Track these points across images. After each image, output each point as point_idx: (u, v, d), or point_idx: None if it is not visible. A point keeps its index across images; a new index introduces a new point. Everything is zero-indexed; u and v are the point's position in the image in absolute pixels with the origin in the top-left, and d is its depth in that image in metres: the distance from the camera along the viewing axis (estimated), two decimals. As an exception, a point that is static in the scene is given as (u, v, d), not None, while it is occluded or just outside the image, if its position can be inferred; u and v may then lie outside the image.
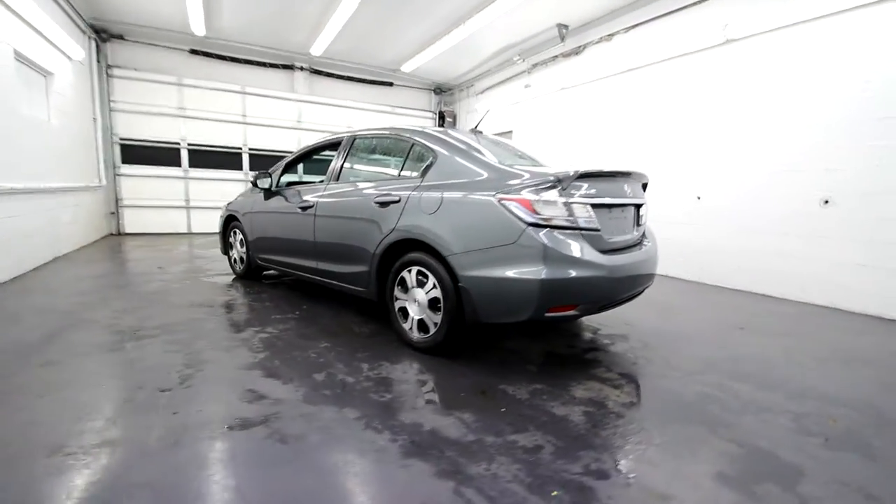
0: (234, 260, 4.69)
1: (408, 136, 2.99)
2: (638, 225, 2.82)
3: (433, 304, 2.58)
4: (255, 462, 1.57)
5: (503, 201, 2.28)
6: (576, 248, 2.23)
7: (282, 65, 8.96)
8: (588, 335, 3.14)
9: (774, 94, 4.60)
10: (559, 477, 1.54)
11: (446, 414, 1.96)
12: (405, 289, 2.74)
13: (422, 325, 2.67)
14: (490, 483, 1.49)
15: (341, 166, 3.40)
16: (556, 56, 7.49)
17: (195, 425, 1.79)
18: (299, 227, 3.58)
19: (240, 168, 8.89)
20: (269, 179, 3.95)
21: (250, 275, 4.51)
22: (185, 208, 8.51)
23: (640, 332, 3.19)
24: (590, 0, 6.06)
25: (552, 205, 2.23)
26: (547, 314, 2.22)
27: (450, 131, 3.01)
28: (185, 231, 8.56)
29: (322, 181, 3.77)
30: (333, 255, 3.27)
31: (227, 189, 8.71)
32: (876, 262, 3.88)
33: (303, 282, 4.57)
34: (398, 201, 2.76)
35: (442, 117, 10.84)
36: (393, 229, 2.74)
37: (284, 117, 9.14)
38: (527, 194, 2.24)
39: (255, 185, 4.00)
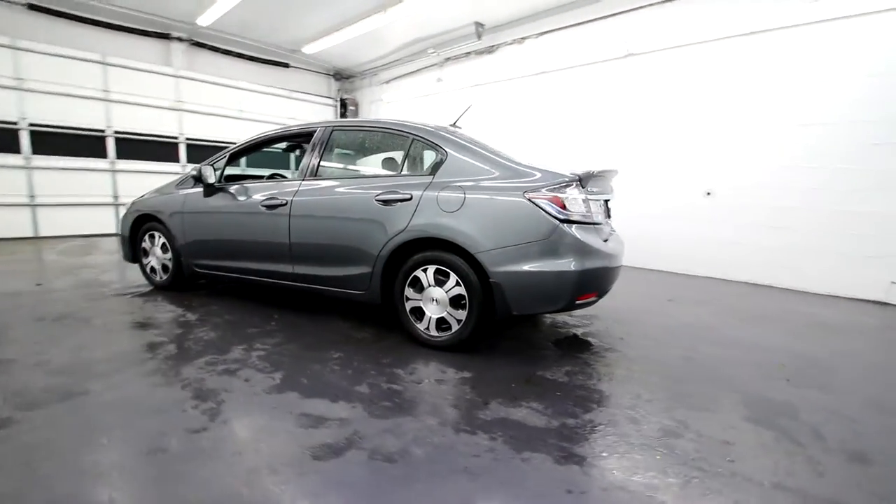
0: (152, 269, 3.94)
1: (407, 131, 2.89)
2: (609, 217, 3.21)
3: (455, 301, 2.60)
4: (385, 484, 1.46)
5: (534, 199, 2.41)
6: (595, 241, 2.48)
7: (155, 33, 7.56)
8: (562, 319, 3.47)
9: (668, 102, 5.54)
10: (657, 439, 1.77)
11: (516, 405, 2.05)
12: (419, 289, 2.70)
13: (441, 323, 2.66)
14: (608, 459, 1.65)
15: (319, 161, 3.12)
16: (470, 53, 7.78)
17: (271, 464, 1.57)
18: (264, 228, 3.19)
19: (103, 156, 7.30)
20: (215, 173, 3.41)
21: (178, 284, 3.85)
22: (30, 206, 6.70)
23: (602, 310, 3.65)
24: (505, 3, 6.43)
25: (576, 201, 2.44)
26: (577, 301, 2.44)
27: (447, 127, 3.00)
28: (32, 234, 6.76)
29: (286, 176, 3.39)
30: (318, 257, 3.02)
31: (89, 181, 7.13)
32: (743, 240, 5.02)
33: (249, 286, 4.07)
34: (409, 199, 2.68)
35: (344, 105, 10.37)
36: (404, 229, 2.66)
37: (159, 95, 7.75)
38: (556, 192, 2.41)
39: (198, 179, 3.41)
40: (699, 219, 5.33)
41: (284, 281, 3.22)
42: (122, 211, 4.35)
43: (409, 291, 2.74)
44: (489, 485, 1.50)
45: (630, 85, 5.85)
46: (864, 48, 4.23)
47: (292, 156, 9.11)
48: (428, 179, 2.71)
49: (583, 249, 2.39)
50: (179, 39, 7.77)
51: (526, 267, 2.40)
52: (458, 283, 2.57)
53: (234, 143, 3.59)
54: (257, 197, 3.26)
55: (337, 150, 3.18)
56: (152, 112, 7.72)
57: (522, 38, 7.00)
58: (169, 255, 3.79)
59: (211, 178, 3.38)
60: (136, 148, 7.58)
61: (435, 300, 2.66)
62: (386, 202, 2.74)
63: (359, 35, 7.55)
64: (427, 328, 2.72)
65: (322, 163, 3.13)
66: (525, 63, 7.04)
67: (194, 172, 3.35)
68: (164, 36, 7.66)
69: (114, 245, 6.50)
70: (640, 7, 5.58)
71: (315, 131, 3.21)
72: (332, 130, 3.16)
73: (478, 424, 1.88)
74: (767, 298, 4.36)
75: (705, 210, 5.26)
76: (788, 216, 4.69)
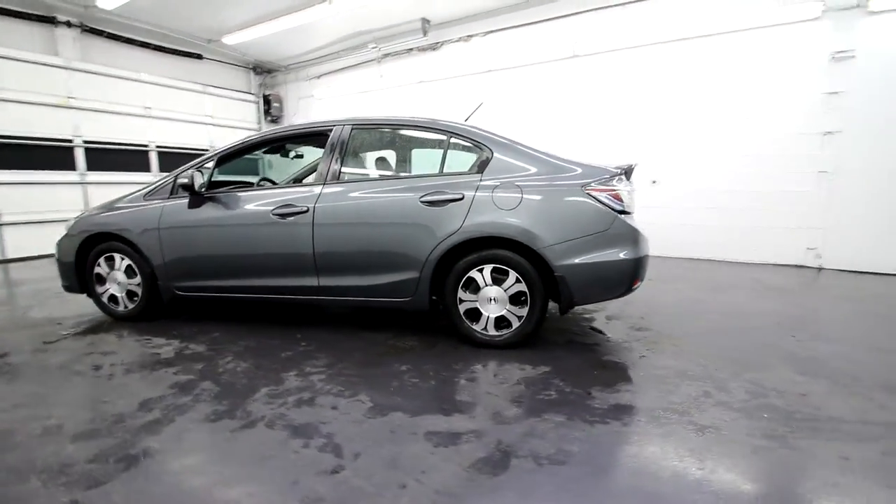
0: (111, 298, 3.28)
1: (444, 128, 2.79)
2: None
3: (515, 298, 2.60)
4: (581, 485, 1.44)
5: (592, 193, 2.50)
6: (642, 230, 2.66)
7: (37, 16, 6.21)
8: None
9: (614, 100, 6.06)
10: (751, 401, 1.97)
11: (616, 390, 2.13)
12: (473, 289, 2.65)
13: (500, 322, 2.65)
14: (738, 425, 1.81)
15: (341, 163, 2.87)
16: (412, 49, 7.68)
17: (448, 490, 1.44)
18: (277, 240, 2.85)
19: (-28, 164, 5.84)
20: (202, 180, 2.95)
21: (149, 313, 3.26)
22: None
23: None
24: (454, 0, 6.47)
25: (626, 193, 2.59)
26: (632, 287, 2.60)
27: (477, 124, 2.94)
28: None
29: (275, 182, 3.02)
30: (352, 267, 2.79)
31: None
32: (687, 222, 5.72)
33: (229, 306, 3.60)
34: (460, 199, 2.60)
35: (267, 102, 9.55)
36: (458, 230, 2.58)
37: (44, 90, 6.39)
38: (610, 185, 2.53)
39: (186, 188, 2.90)
40: (647, 205, 5.94)
41: (307, 296, 2.92)
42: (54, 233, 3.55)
43: (461, 293, 2.68)
44: (687, 463, 1.55)
45: (576, 85, 6.28)
46: (784, 52, 5.05)
47: (262, 161, 8.21)
48: (476, 178, 2.66)
49: (637, 238, 2.55)
50: (69, 24, 6.48)
51: (589, 259, 2.49)
52: (517, 280, 2.58)
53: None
54: (262, 206, 2.90)
55: (362, 151, 2.95)
56: (35, 110, 6.34)
57: (469, 36, 7.10)
58: (137, 279, 3.19)
59: (199, 185, 2.92)
60: (21, 154, 6.18)
61: (493, 299, 2.63)
62: (433, 203, 2.63)
63: (292, 27, 7.01)
64: (485, 328, 2.68)
65: (344, 165, 2.89)
66: (471, 61, 7.15)
67: (185, 180, 2.85)
68: (49, 20, 6.33)
69: (17, 273, 5.27)
70: (587, 10, 6.01)
71: (331, 130, 2.94)
72: (353, 129, 2.93)
73: (601, 413, 1.92)
74: (719, 271, 5.04)
75: (653, 197, 5.88)
76: (725, 198, 5.45)
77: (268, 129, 3.09)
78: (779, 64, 5.06)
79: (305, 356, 2.60)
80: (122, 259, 3.20)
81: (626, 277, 2.53)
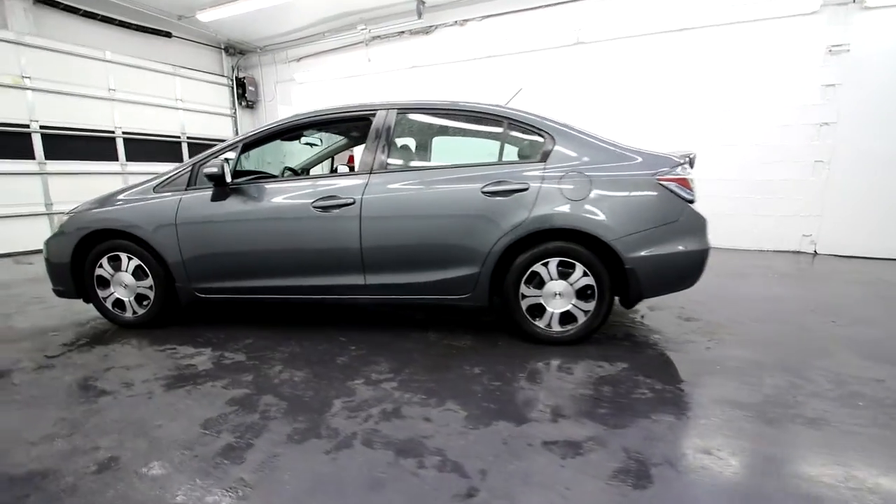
0: (116, 303, 2.91)
1: (501, 114, 2.62)
2: None
3: (582, 292, 2.50)
4: (741, 489, 1.36)
5: (662, 182, 2.42)
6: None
7: (-21, -20, 5.43)
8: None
9: (619, 89, 6.05)
10: (838, 390, 1.98)
11: (706, 385, 2.09)
12: (537, 284, 2.53)
13: (565, 317, 2.54)
14: (841, 414, 1.79)
15: (387, 150, 2.64)
16: (404, 32, 7.36)
17: (599, 506, 1.33)
18: (318, 235, 2.60)
19: None
20: (226, 170, 2.63)
21: (162, 319, 2.93)
22: None
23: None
24: (450, -18, 6.23)
25: (693, 182, 2.53)
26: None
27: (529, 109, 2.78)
28: None
29: (296, 171, 2.74)
30: (404, 263, 2.59)
31: None
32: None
33: (259, 306, 3.30)
34: (525, 190, 2.45)
35: (242, 85, 8.93)
36: (523, 221, 2.44)
37: (-9, 68, 5.64)
38: (680, 174, 2.46)
39: (214, 178, 2.57)
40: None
41: (351, 296, 2.70)
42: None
43: (524, 288, 2.55)
44: (817, 460, 1.51)
45: (580, 73, 6.23)
46: (783, 44, 5.18)
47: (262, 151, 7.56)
48: (539, 167, 2.52)
49: (705, 228, 2.50)
50: (17, -9, 5.71)
51: (660, 250, 2.42)
52: (585, 274, 2.48)
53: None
54: (299, 198, 2.64)
55: (409, 138, 2.73)
56: (-18, 90, 5.58)
57: (465, 21, 6.87)
58: (148, 281, 2.84)
59: (228, 176, 2.61)
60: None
61: (559, 294, 2.52)
62: (495, 194, 2.47)
63: (272, 4, 6.52)
64: (548, 324, 2.57)
65: (391, 153, 2.66)
66: (467, 46, 6.95)
67: (214, 169, 2.52)
68: (-7, -15, 5.55)
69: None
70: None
71: (374, 115, 2.70)
72: (398, 113, 2.70)
73: (706, 411, 1.86)
74: (725, 257, 5.17)
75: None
76: (726, 187, 5.59)
77: (300, 113, 2.79)
78: (778, 56, 5.20)
79: (362, 361, 2.39)
80: (130, 259, 2.84)
81: (695, 269, 2.49)
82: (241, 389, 2.08)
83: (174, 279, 2.81)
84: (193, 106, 8.18)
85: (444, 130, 2.84)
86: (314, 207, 2.59)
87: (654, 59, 5.81)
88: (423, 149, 2.89)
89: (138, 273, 2.86)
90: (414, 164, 2.72)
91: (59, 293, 2.99)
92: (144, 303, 2.90)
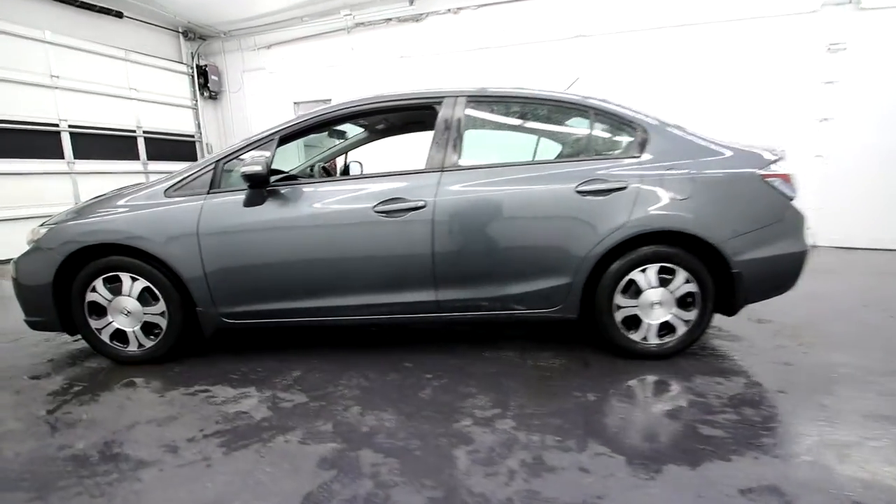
0: (115, 335, 2.34)
1: (586, 104, 2.32)
2: None
3: (682, 301, 2.27)
4: None
5: (767, 178, 2.23)
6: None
7: None
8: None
9: (617, 84, 5.94)
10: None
11: (845, 399, 1.92)
12: (634, 293, 2.27)
13: (663, 328, 2.30)
14: None
15: (459, 144, 2.26)
16: (391, 19, 6.89)
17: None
18: (382, 245, 2.20)
19: None
20: (264, 170, 2.14)
21: (174, 353, 2.39)
22: None
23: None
24: (446, -34, 5.86)
25: (795, 177, 2.36)
26: (795, 281, 2.41)
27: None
28: None
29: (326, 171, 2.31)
30: (484, 275, 2.24)
31: None
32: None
33: (283, 330, 2.81)
34: (623, 188, 2.18)
35: (204, 74, 8.06)
36: (623, 224, 2.16)
37: None
38: (782, 170, 2.28)
39: (253, 178, 2.08)
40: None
41: (419, 314, 2.31)
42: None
43: (619, 298, 2.28)
44: None
45: (580, 67, 6.06)
46: (785, 41, 5.26)
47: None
48: (634, 163, 2.25)
49: (805, 226, 2.35)
50: (-69, -49, 4.69)
51: (767, 252, 2.23)
52: (687, 280, 2.25)
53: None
54: (354, 201, 2.21)
55: (482, 129, 2.37)
56: None
57: (458, 9, 6.52)
58: (159, 306, 2.30)
59: (256, 176, 2.12)
60: None
61: (657, 303, 2.28)
62: (590, 193, 2.18)
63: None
64: (645, 337, 2.32)
65: (463, 146, 2.29)
66: (460, 37, 6.60)
67: (257, 167, 2.03)
68: None
69: None
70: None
71: (441, 103, 2.31)
72: (469, 101, 2.33)
73: (867, 426, 1.68)
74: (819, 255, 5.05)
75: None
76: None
77: (350, 100, 2.34)
78: (780, 53, 5.29)
79: (452, 393, 2.02)
80: (135, 280, 2.28)
81: (798, 271, 2.32)
82: (327, 444, 1.66)
83: (195, 303, 2.29)
84: (150, 96, 7.26)
85: (520, 122, 2.51)
86: (376, 212, 2.18)
87: (655, 53, 5.76)
88: (498, 142, 2.54)
89: (145, 297, 2.31)
90: (490, 160, 2.37)
91: (35, 325, 2.38)
92: (154, 333, 2.35)
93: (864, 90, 5.06)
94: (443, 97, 2.32)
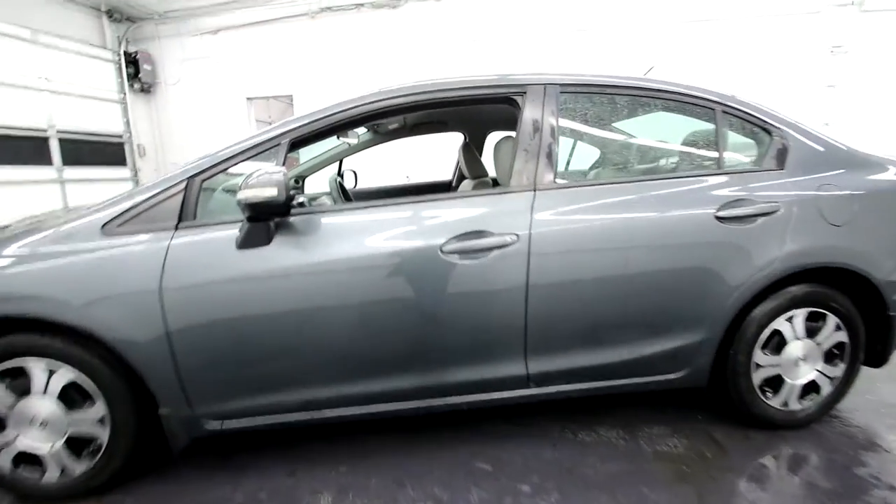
0: (15, 460, 1.45)
1: (709, 98, 1.74)
2: None
3: (829, 353, 1.77)
4: None
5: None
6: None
7: None
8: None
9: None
10: None
11: None
12: (775, 347, 1.73)
13: (807, 389, 1.78)
14: None
15: (555, 152, 1.60)
16: (363, 4, 6.07)
17: None
18: (452, 298, 1.49)
19: None
20: (282, 195, 1.35)
21: (119, 478, 1.54)
22: None
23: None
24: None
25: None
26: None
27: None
28: None
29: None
30: (592, 334, 1.60)
31: None
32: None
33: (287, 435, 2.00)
34: (774, 212, 1.62)
35: (134, 63, 6.79)
36: (774, 259, 1.61)
37: None
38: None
39: (261, 209, 1.30)
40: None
41: (500, 392, 1.63)
42: None
43: (759, 354, 1.73)
44: None
45: (580, 62, 5.60)
46: (789, 41, 5.07)
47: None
48: (777, 178, 1.71)
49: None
50: None
51: (927, 289, 1.78)
52: (838, 327, 1.75)
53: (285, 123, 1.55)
54: (406, 236, 1.50)
55: (575, 132, 1.71)
56: None
57: (441, -5, 5.84)
58: (96, 409, 1.44)
59: (275, 201, 1.33)
60: None
61: (804, 358, 1.75)
62: (735, 219, 1.61)
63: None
64: (785, 402, 1.79)
65: (556, 157, 1.63)
66: (441, 26, 5.93)
67: (270, 192, 1.23)
68: None
69: None
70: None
71: (524, 93, 1.63)
72: (563, 92, 1.67)
73: None
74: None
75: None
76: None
77: (395, 88, 1.60)
78: (784, 53, 5.11)
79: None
80: (52, 373, 1.42)
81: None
82: None
83: (157, 401, 1.46)
84: (66, 88, 5.93)
85: (626, 120, 1.87)
86: (444, 252, 1.47)
87: (654, 49, 5.42)
88: (595, 149, 1.90)
89: (72, 396, 1.44)
90: (593, 173, 1.74)
91: None
92: (85, 454, 1.49)
93: (865, 93, 4.98)
94: (526, 85, 1.64)
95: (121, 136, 6.85)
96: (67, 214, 1.54)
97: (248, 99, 6.96)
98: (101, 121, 6.48)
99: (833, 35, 4.98)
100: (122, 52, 6.75)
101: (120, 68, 6.74)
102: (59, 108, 5.83)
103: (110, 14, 6.59)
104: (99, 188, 6.16)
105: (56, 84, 5.79)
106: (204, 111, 7.02)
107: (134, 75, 6.83)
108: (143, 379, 1.44)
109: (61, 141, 5.85)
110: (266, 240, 1.43)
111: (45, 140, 5.70)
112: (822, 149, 1.78)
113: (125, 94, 6.83)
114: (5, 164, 5.22)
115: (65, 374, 1.43)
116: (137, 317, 1.40)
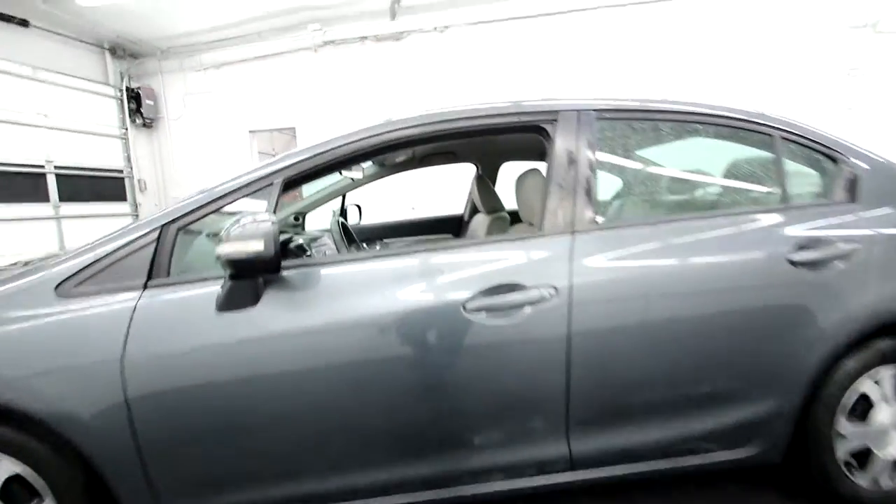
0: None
1: (766, 123, 1.52)
2: None
3: (915, 419, 1.49)
4: None
5: None
6: None
7: None
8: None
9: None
10: None
11: None
12: (861, 414, 1.45)
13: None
14: None
15: (593, 190, 1.37)
16: (367, 38, 6.04)
17: None
18: (478, 365, 1.24)
19: None
20: (270, 250, 1.12)
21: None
22: None
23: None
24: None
25: None
26: None
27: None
28: None
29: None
30: (651, 405, 1.33)
31: None
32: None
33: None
34: (853, 253, 1.38)
35: (136, 98, 6.75)
36: (858, 308, 1.35)
37: None
38: None
39: (241, 265, 1.06)
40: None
41: (544, 479, 1.34)
42: None
43: (842, 422, 1.45)
44: None
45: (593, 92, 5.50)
46: (807, 60, 4.95)
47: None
48: (850, 211, 1.47)
49: None
50: None
51: None
52: (930, 389, 1.47)
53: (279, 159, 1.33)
54: (423, 292, 1.25)
55: (615, 161, 1.49)
56: None
57: (445, 27, 5.80)
58: (41, 509, 1.18)
59: (267, 247, 1.09)
60: None
61: (893, 426, 1.47)
62: (806, 264, 1.36)
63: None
64: (875, 479, 1.49)
65: (596, 194, 1.40)
66: (446, 58, 5.87)
67: (255, 247, 1.01)
68: None
69: None
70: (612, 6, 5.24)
71: (555, 120, 1.42)
72: (600, 118, 1.45)
73: None
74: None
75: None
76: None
77: (406, 118, 1.39)
78: (802, 76, 4.99)
79: None
80: (-13, 464, 1.16)
81: None
82: None
83: (117, 499, 1.19)
84: (66, 124, 5.84)
85: (670, 149, 1.65)
86: (468, 311, 1.22)
87: (671, 72, 5.31)
88: (642, 183, 1.66)
89: (15, 492, 1.17)
90: (639, 211, 1.50)
91: None
92: (33, 559, 1.21)
93: (882, 115, 4.81)
94: (558, 111, 1.43)
95: (121, 172, 6.74)
96: (19, 270, 1.30)
97: (250, 132, 6.89)
98: (101, 156, 6.38)
99: (849, 57, 4.85)
100: (124, 88, 6.72)
101: (121, 104, 6.70)
102: (58, 144, 5.72)
103: (113, 51, 6.60)
104: (98, 224, 5.99)
105: (54, 120, 5.70)
106: (206, 145, 6.94)
107: (136, 110, 6.78)
108: (100, 472, 1.17)
109: (59, 177, 5.72)
110: (253, 300, 1.18)
111: (41, 176, 5.57)
112: (887, 178, 1.55)
113: (126, 129, 6.77)
114: (1, 201, 5.08)
115: (7, 468, 1.17)
116: (94, 395, 1.14)
